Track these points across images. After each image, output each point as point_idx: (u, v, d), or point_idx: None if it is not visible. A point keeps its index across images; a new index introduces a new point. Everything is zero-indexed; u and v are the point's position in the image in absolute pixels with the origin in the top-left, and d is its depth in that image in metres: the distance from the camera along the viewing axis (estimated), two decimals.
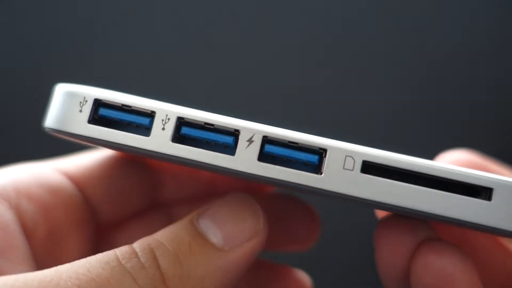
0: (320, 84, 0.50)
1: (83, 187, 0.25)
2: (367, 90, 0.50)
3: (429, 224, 0.22)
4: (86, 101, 0.19)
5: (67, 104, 0.19)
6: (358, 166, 0.18)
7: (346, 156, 0.18)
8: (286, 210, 0.26)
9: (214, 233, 0.19)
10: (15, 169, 0.24)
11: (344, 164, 0.18)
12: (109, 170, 0.26)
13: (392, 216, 0.22)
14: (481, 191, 0.18)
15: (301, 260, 0.29)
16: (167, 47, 0.51)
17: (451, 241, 0.22)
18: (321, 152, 0.18)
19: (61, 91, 0.20)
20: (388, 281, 0.22)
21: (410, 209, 0.18)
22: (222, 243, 0.19)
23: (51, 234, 0.23)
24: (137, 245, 0.19)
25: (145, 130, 0.19)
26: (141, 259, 0.18)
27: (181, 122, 0.19)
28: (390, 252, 0.21)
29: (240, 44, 0.51)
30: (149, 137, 0.19)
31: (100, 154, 0.26)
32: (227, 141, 0.19)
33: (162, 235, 0.19)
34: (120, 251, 0.18)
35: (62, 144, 0.27)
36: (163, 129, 0.19)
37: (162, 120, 0.19)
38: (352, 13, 0.51)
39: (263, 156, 0.18)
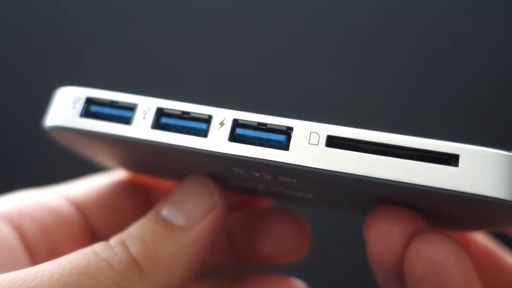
0: (299, 77, 0.51)
1: (82, 209, 0.27)
2: (360, 86, 0.50)
3: (422, 217, 0.21)
4: (80, 99, 0.21)
5: (63, 103, 0.22)
6: (323, 140, 0.19)
7: (311, 132, 0.19)
8: (276, 223, 0.26)
9: (175, 215, 0.21)
10: (20, 195, 0.26)
11: (310, 140, 0.19)
12: (108, 193, 0.28)
13: (383, 207, 0.22)
14: (448, 159, 0.18)
15: (298, 269, 0.28)
16: (155, 46, 0.54)
17: None
18: (288, 132, 0.19)
19: (59, 93, 0.22)
20: (381, 275, 0.21)
21: (375, 179, 0.18)
22: (183, 222, 0.21)
23: (52, 251, 0.25)
24: (112, 239, 0.21)
25: (128, 121, 0.21)
26: (115, 249, 0.20)
27: (161, 112, 0.21)
28: (381, 244, 0.21)
29: (217, 40, 0.54)
30: (131, 125, 0.21)
31: (101, 180, 0.28)
32: (201, 127, 0.20)
33: (131, 228, 0.21)
34: (96, 245, 0.20)
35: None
36: (144, 118, 0.21)
37: (144, 110, 0.21)
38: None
39: (234, 138, 0.20)
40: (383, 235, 0.21)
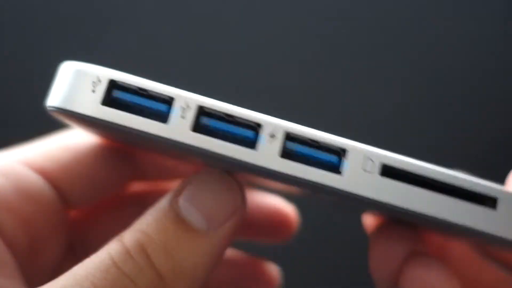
0: (327, 83, 0.51)
1: (55, 181, 0.23)
2: (373, 91, 0.51)
3: (419, 235, 0.23)
4: (100, 81, 0.18)
5: (78, 83, 0.18)
6: (377, 168, 0.18)
7: (365, 157, 0.18)
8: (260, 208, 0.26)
9: (196, 217, 0.19)
10: None
11: (364, 166, 0.18)
12: (81, 158, 0.24)
13: (387, 224, 0.23)
14: (487, 200, 0.19)
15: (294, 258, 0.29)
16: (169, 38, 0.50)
17: (431, 252, 0.23)
18: (341, 153, 0.18)
19: (71, 68, 0.18)
20: (379, 283, 0.23)
21: (424, 215, 0.18)
22: (205, 227, 0.19)
23: (31, 243, 0.22)
24: (127, 241, 0.18)
25: (161, 117, 0.18)
26: (136, 259, 0.18)
27: (201, 112, 0.18)
28: (382, 259, 0.22)
29: (245, 42, 0.51)
30: (168, 124, 0.18)
31: (68, 140, 0.24)
32: (247, 135, 0.18)
33: (147, 227, 0.19)
34: (114, 253, 0.18)
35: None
36: (183, 117, 0.18)
37: (182, 107, 0.18)
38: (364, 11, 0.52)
39: (285, 153, 0.18)
40: (384, 252, 0.23)
